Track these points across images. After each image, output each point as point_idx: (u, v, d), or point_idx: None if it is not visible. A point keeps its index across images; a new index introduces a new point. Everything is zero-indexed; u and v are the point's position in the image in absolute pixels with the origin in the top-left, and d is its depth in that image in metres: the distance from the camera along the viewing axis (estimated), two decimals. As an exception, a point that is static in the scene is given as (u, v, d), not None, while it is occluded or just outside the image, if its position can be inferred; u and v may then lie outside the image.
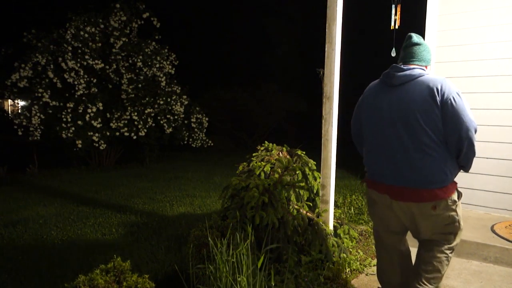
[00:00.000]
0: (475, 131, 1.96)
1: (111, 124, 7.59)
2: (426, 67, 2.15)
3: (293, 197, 3.05)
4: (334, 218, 3.30)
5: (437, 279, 2.12)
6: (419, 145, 1.96)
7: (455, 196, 2.04)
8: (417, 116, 1.94)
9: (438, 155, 1.95)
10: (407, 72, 2.03)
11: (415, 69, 2.05)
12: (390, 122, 2.04)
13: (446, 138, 1.96)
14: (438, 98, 1.92)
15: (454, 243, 2.12)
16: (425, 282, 2.10)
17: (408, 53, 2.13)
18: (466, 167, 2.08)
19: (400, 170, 2.01)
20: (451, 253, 2.13)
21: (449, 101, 1.90)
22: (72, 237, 3.75)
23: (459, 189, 2.11)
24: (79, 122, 7.17)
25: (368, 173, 2.23)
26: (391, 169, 2.05)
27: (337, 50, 3.02)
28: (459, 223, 2.07)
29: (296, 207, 3.02)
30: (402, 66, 2.07)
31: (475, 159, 2.09)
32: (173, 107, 8.37)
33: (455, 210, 2.04)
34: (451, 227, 2.07)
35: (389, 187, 2.06)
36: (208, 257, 2.30)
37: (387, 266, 2.31)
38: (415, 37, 2.14)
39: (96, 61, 7.29)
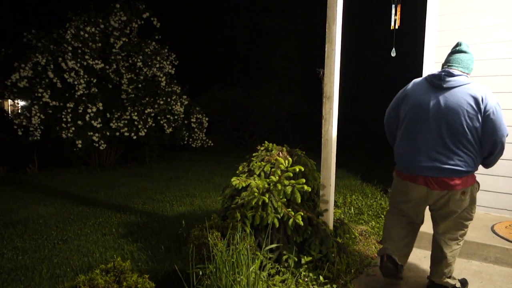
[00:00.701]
0: (507, 136, 2.27)
1: (111, 124, 7.59)
2: (468, 75, 2.37)
3: (293, 197, 3.05)
4: (334, 218, 3.30)
5: (451, 268, 2.49)
6: (458, 144, 2.24)
7: (475, 183, 2.39)
8: (461, 120, 2.21)
9: (471, 153, 2.25)
10: (457, 78, 2.27)
11: (462, 76, 2.29)
12: (434, 121, 2.28)
13: (482, 141, 2.25)
14: (482, 107, 2.19)
15: (466, 230, 2.48)
16: (442, 276, 2.48)
17: (455, 58, 2.36)
18: (490, 165, 2.40)
19: (438, 164, 2.27)
20: (461, 241, 2.50)
21: (491, 111, 2.19)
22: (72, 237, 3.75)
23: None
24: (79, 122, 7.16)
25: (403, 165, 2.44)
26: (429, 163, 2.29)
27: (337, 50, 3.02)
28: (475, 207, 2.42)
29: (296, 207, 3.02)
30: (452, 72, 2.29)
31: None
32: (173, 107, 8.37)
33: (474, 195, 2.39)
34: (470, 210, 2.39)
35: (427, 179, 2.31)
36: (208, 257, 2.30)
37: (396, 234, 2.55)
38: (464, 46, 2.39)
39: (96, 61, 7.29)
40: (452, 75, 2.27)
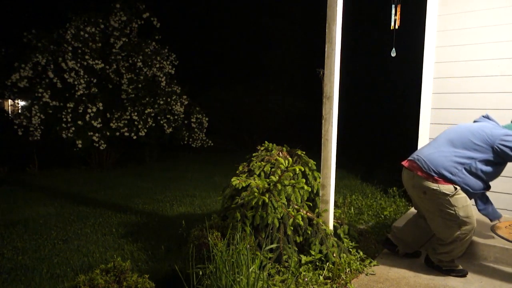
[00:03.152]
0: None
1: (111, 124, 7.59)
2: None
3: (293, 197, 3.05)
4: (334, 218, 3.30)
5: (442, 255, 2.77)
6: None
7: (444, 189, 2.58)
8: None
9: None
10: (480, 120, 2.94)
11: (486, 121, 2.87)
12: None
13: None
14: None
15: (455, 232, 2.63)
16: (433, 256, 2.83)
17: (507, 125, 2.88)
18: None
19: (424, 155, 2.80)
20: (453, 243, 2.68)
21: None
22: (72, 237, 3.75)
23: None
24: (79, 122, 7.16)
25: None
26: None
27: (337, 50, 3.02)
28: (456, 212, 2.59)
29: (296, 207, 3.02)
30: (485, 117, 2.94)
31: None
32: (173, 107, 8.36)
33: (448, 201, 2.58)
34: (447, 213, 2.60)
35: (409, 162, 2.88)
36: (208, 257, 2.30)
37: (407, 227, 3.12)
38: None
39: (96, 61, 7.28)
40: (480, 120, 2.92)
